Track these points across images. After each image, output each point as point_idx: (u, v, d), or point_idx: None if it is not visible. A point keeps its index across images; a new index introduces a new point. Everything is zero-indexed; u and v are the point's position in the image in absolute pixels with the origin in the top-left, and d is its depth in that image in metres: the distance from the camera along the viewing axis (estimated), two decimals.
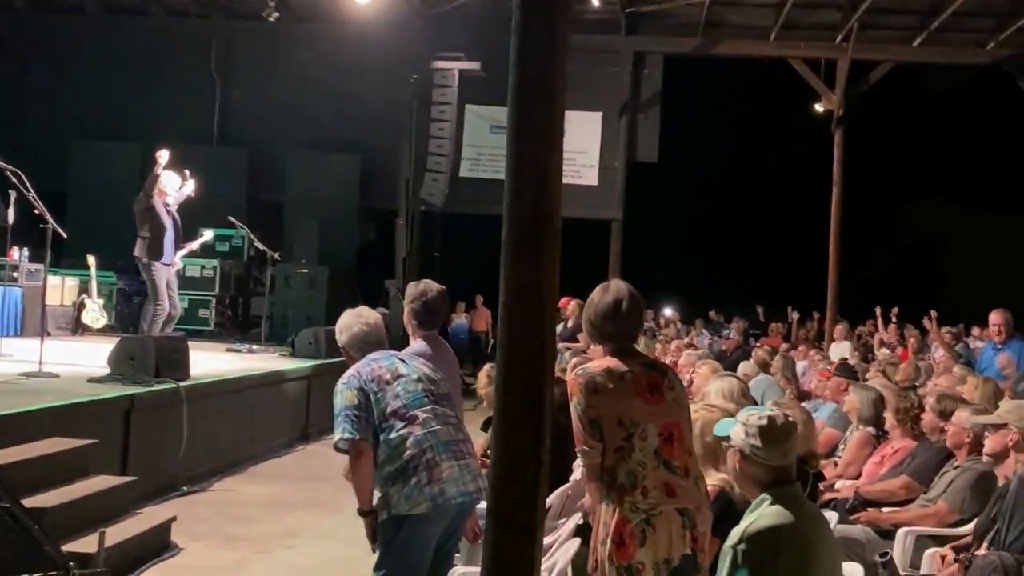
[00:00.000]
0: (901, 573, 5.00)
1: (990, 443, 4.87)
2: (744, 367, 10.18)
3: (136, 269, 11.87)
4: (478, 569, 4.79)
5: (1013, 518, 4.49)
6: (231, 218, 14.67)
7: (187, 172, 11.64)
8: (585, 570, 4.48)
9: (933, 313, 12.74)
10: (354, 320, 5.04)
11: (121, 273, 15.48)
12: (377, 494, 4.64)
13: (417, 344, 5.63)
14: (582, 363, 7.68)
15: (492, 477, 3.49)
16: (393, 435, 4.58)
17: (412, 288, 5.82)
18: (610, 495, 4.04)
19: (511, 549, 3.44)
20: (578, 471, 6.41)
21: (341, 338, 5.03)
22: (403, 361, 4.88)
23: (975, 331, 15.66)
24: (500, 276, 3.32)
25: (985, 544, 4.72)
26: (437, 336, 5.88)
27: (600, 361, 4.25)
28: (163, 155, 11.17)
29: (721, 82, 21.56)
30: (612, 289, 4.25)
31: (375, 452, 4.60)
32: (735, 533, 3.67)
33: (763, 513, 3.64)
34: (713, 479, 4.42)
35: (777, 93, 21.02)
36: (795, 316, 18.80)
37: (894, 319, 15.60)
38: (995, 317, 9.31)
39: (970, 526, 5.50)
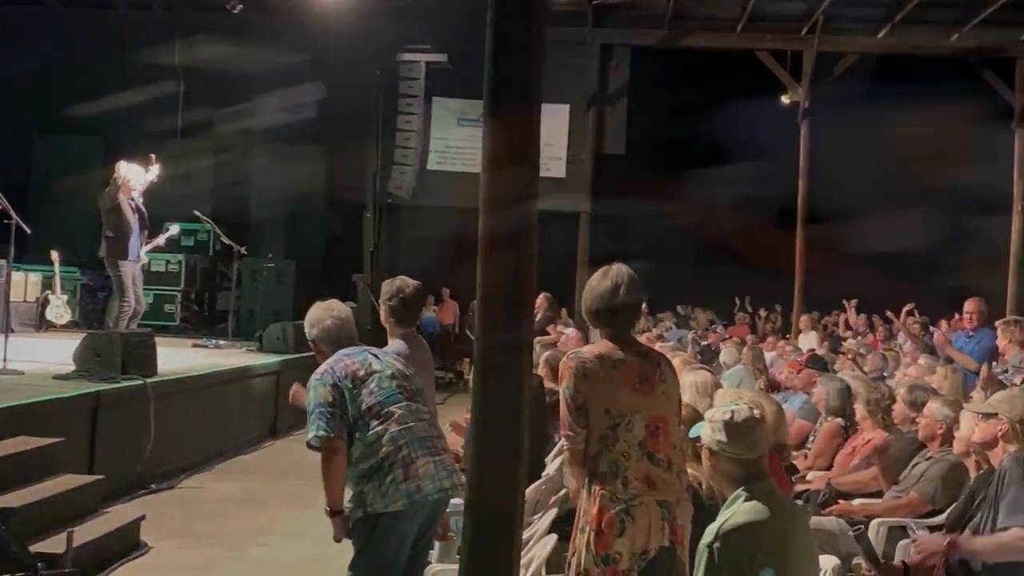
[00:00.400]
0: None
1: (979, 432, 4.91)
2: (724, 355, 10.25)
3: (101, 264, 11.75)
4: (453, 566, 4.78)
5: (998, 506, 4.51)
6: (196, 212, 14.55)
7: (152, 156, 11.49)
8: (559, 565, 4.47)
9: (908, 306, 12.79)
10: (325, 314, 4.98)
11: (85, 268, 15.33)
12: (349, 492, 4.60)
13: (395, 344, 5.58)
14: (554, 355, 7.72)
15: (470, 472, 3.46)
16: (369, 433, 4.54)
17: (388, 286, 5.76)
18: (591, 483, 4.05)
19: (490, 545, 3.42)
20: (551, 465, 6.41)
21: (312, 332, 4.96)
22: (376, 357, 4.84)
23: (942, 323, 15.75)
24: (477, 272, 3.29)
25: (968, 532, 4.75)
26: (415, 334, 5.84)
27: (594, 346, 4.23)
28: (121, 167, 11.05)
29: (689, 74, 21.58)
30: (612, 273, 4.21)
31: (349, 449, 4.56)
32: (710, 531, 3.66)
33: (738, 510, 3.64)
34: None
35: (744, 85, 21.05)
36: (762, 313, 18.93)
37: (854, 309, 15.69)
38: (969, 305, 9.41)
39: (942, 516, 5.54)
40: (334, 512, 4.58)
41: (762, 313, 19.00)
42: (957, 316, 11.79)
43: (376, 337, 5.77)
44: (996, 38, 17.82)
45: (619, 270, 4.22)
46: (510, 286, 3.32)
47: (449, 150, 19.50)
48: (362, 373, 4.65)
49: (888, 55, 19.11)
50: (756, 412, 3.77)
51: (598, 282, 4.20)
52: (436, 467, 4.60)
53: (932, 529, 5.42)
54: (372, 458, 4.52)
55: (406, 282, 5.73)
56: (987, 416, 4.87)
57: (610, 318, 4.20)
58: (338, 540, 4.63)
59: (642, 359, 4.16)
